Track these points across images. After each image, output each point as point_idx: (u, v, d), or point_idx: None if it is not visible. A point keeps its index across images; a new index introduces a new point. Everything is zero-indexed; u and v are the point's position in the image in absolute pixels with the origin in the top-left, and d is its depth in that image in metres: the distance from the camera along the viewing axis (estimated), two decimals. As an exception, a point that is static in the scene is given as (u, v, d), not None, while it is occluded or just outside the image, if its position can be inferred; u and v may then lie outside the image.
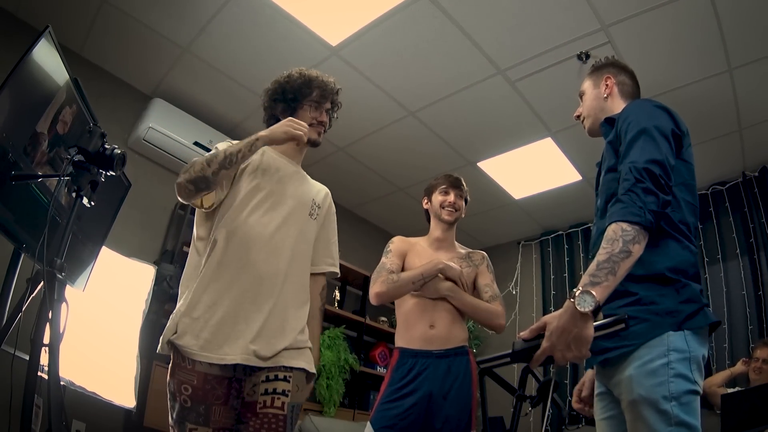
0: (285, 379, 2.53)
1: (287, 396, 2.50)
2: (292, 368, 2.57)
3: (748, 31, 4.81)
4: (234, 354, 2.47)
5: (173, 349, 2.50)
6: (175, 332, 2.49)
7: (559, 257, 8.52)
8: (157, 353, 2.66)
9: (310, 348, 2.75)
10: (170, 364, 2.54)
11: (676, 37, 4.95)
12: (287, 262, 2.73)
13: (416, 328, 3.58)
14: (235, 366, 2.53)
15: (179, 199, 2.61)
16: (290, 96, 2.93)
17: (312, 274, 2.96)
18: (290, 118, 2.80)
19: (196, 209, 2.78)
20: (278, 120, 2.85)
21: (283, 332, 2.63)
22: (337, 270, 3.09)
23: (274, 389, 2.48)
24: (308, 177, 3.10)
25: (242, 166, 2.75)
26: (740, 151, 6.55)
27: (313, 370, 2.69)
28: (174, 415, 2.49)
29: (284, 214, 2.80)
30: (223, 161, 2.57)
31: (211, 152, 2.63)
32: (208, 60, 5.70)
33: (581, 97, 2.81)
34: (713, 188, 7.12)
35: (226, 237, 2.64)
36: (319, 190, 3.10)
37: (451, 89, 5.92)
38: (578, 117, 2.81)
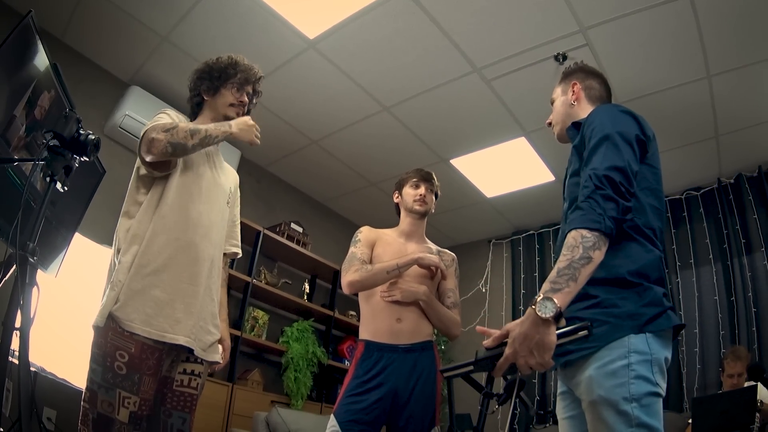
0: (201, 362, 2.81)
1: (200, 377, 2.80)
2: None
3: (728, 39, 4.88)
4: (177, 334, 2.65)
5: (109, 317, 2.55)
6: (117, 302, 2.57)
7: (530, 256, 8.58)
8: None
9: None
10: (103, 326, 2.55)
11: (655, 42, 5.01)
12: (215, 248, 2.95)
13: (383, 321, 3.53)
14: (165, 342, 2.66)
15: (148, 154, 2.67)
16: (216, 75, 3.07)
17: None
18: (252, 121, 3.03)
19: (137, 174, 2.87)
20: (202, 99, 3.11)
21: (214, 320, 2.91)
22: (240, 252, 3.36)
23: (192, 371, 2.79)
24: (223, 160, 3.28)
25: None
26: (716, 158, 6.64)
27: (220, 360, 2.98)
28: (98, 378, 2.49)
29: (213, 201, 2.98)
30: (204, 139, 2.76)
31: (191, 126, 2.76)
32: (186, 49, 5.67)
33: (552, 105, 2.80)
34: (687, 193, 7.22)
35: (169, 214, 2.77)
36: (233, 177, 3.32)
37: (427, 86, 5.94)
38: (550, 124, 2.79)
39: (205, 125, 2.83)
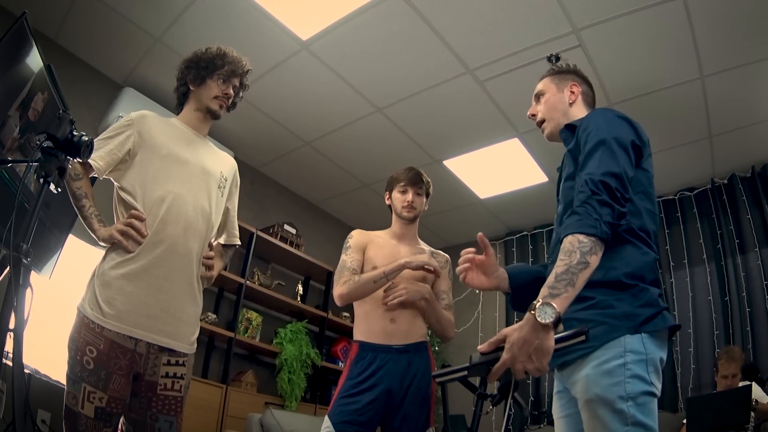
0: (183, 364, 2.79)
1: (183, 379, 2.78)
2: (188, 354, 2.83)
3: (721, 40, 4.90)
4: (149, 332, 2.66)
5: (84, 311, 2.62)
6: (93, 296, 2.63)
7: (524, 257, 8.58)
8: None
9: None
10: (77, 320, 2.64)
11: (648, 43, 5.02)
12: (200, 240, 2.91)
13: (377, 322, 3.52)
14: (137, 341, 2.65)
15: None
16: (203, 65, 3.06)
17: (223, 246, 3.29)
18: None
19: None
20: (188, 89, 3.10)
21: (196, 317, 2.90)
22: (239, 242, 3.43)
23: (174, 373, 2.76)
24: (214, 147, 3.26)
25: (147, 138, 2.92)
26: (710, 158, 6.68)
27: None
28: (69, 372, 2.58)
29: (197, 188, 2.96)
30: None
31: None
32: (180, 51, 5.63)
33: (538, 97, 2.81)
34: (681, 194, 7.26)
35: (145, 207, 2.80)
36: (226, 162, 3.30)
37: (420, 87, 5.94)
38: (533, 116, 2.80)
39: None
